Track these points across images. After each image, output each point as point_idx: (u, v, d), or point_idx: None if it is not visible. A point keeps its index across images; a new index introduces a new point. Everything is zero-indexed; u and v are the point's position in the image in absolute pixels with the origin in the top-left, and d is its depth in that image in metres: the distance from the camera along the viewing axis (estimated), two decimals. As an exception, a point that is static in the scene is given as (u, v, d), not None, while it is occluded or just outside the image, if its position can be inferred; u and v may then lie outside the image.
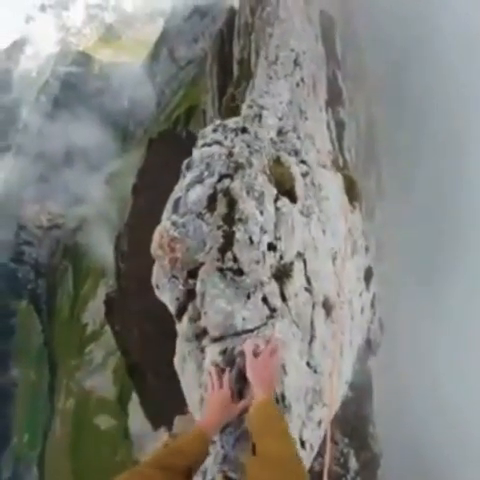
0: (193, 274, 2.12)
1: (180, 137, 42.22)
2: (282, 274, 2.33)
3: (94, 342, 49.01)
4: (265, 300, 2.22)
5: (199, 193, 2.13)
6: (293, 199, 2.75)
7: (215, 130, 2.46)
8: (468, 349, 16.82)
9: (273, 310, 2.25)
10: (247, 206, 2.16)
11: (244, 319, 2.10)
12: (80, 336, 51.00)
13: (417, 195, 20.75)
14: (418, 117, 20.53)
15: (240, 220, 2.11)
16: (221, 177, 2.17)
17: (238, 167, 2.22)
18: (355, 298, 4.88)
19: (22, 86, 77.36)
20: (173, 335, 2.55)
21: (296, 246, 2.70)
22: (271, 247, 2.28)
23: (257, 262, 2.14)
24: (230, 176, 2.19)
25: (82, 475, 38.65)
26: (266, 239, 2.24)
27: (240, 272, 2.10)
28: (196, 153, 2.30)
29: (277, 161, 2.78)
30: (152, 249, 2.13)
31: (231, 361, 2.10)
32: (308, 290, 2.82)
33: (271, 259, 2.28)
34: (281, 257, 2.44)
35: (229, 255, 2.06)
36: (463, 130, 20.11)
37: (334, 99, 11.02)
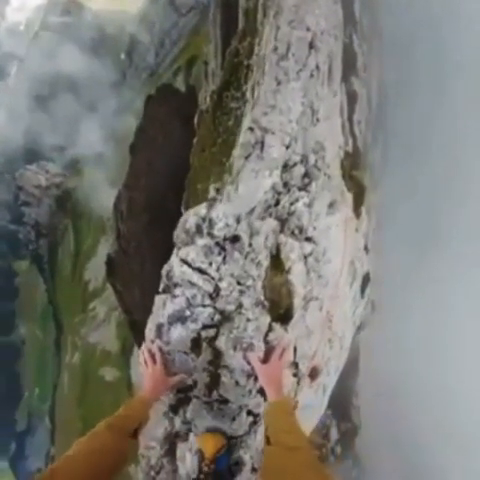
0: (182, 389, 2.06)
1: (179, 92, 40.21)
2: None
3: (97, 298, 49.94)
4: (249, 412, 2.18)
5: (182, 334, 1.99)
6: (288, 317, 2.46)
7: (199, 230, 2.14)
8: (460, 330, 17.02)
9: (257, 415, 2.21)
10: (233, 361, 2.02)
11: (230, 433, 2.11)
12: (83, 293, 51.89)
13: (425, 167, 19.93)
14: (434, 83, 19.09)
15: (226, 367, 1.98)
16: (205, 326, 1.99)
17: (224, 319, 1.98)
18: (348, 322, 4.67)
19: (11, 40, 72.32)
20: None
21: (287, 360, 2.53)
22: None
23: (243, 396, 2.07)
24: (216, 326, 2.00)
25: (89, 422, 41.34)
26: (253, 379, 2.09)
27: (226, 401, 2.05)
28: (176, 265, 2.06)
29: (276, 262, 2.43)
30: (139, 362, 2.05)
31: None
32: (295, 374, 2.73)
33: (258, 385, 2.15)
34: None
35: (215, 394, 2.00)
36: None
37: (348, 67, 10.11)
